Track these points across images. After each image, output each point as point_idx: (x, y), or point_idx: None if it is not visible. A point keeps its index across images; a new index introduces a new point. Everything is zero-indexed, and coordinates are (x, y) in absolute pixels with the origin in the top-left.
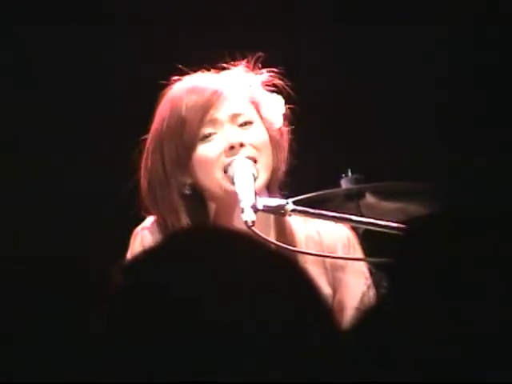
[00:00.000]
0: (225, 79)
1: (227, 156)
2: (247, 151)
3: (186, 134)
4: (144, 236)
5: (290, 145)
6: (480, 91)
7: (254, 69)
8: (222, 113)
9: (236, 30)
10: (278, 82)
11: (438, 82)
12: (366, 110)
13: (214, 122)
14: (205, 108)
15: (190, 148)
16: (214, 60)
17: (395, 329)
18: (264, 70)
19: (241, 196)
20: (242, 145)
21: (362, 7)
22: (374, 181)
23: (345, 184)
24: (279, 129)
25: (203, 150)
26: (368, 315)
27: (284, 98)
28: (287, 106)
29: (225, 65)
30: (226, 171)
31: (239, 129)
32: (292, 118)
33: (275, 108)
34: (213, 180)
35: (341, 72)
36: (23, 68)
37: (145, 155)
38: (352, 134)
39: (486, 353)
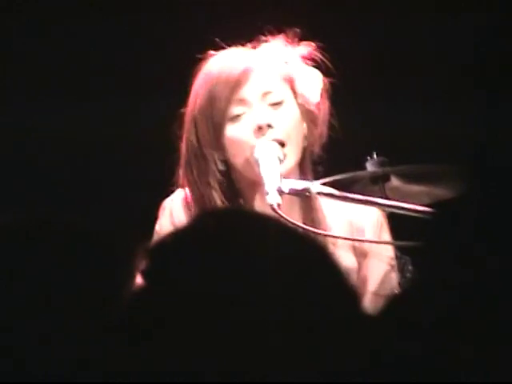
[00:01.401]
0: (258, 55)
1: (256, 137)
2: (275, 133)
3: (215, 113)
4: (173, 209)
5: (329, 120)
6: None
7: (292, 43)
8: (251, 92)
9: (274, 4)
10: (316, 56)
11: (478, 59)
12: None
13: (243, 101)
14: (234, 87)
15: (220, 127)
16: (251, 34)
17: (421, 313)
18: (302, 44)
19: (266, 179)
20: (269, 126)
21: None
22: (401, 161)
23: (370, 166)
24: (317, 104)
25: (232, 131)
26: (394, 299)
27: (323, 72)
28: (327, 80)
29: (263, 38)
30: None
31: (269, 108)
32: (331, 93)
33: (312, 83)
34: (243, 161)
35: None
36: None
37: (183, 129)
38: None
39: None
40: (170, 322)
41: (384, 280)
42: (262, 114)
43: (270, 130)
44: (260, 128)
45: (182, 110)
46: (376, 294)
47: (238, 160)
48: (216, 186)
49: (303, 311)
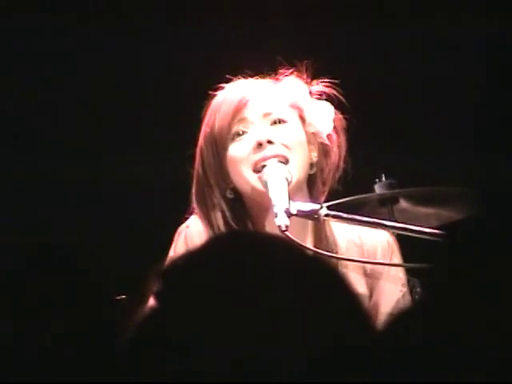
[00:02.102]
0: (265, 83)
1: (255, 153)
2: (276, 149)
3: (218, 135)
4: (188, 234)
5: (344, 152)
6: None
7: (305, 77)
8: (253, 112)
9: (287, 40)
10: (330, 91)
11: (478, 88)
12: (404, 116)
13: (244, 120)
14: (236, 108)
15: (223, 149)
16: (265, 67)
17: (428, 333)
18: (316, 79)
19: (274, 201)
20: (269, 142)
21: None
22: (409, 185)
23: (378, 189)
24: (328, 136)
25: (233, 149)
26: (402, 319)
27: (337, 106)
28: (341, 115)
29: (276, 72)
30: (258, 172)
31: (270, 127)
32: (346, 126)
33: (323, 114)
34: (244, 180)
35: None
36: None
37: (194, 164)
38: (390, 139)
39: None
40: (182, 343)
41: (397, 305)
42: (263, 131)
43: (270, 146)
44: (260, 144)
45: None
46: (390, 315)
47: (239, 179)
48: (226, 213)
49: (314, 333)
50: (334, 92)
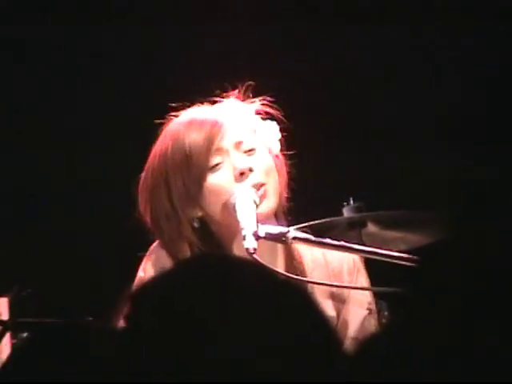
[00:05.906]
0: (222, 110)
1: (238, 182)
2: (257, 176)
3: (194, 167)
4: (158, 255)
5: (289, 170)
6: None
7: (244, 99)
8: (226, 141)
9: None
10: (270, 110)
11: (446, 93)
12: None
13: (220, 150)
14: (210, 138)
15: (200, 180)
16: (203, 93)
17: (396, 355)
18: (255, 100)
19: (242, 223)
20: (251, 170)
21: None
22: (377, 203)
23: (347, 212)
24: (277, 155)
25: (214, 179)
26: (369, 342)
27: (277, 124)
28: (281, 133)
29: (218, 97)
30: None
31: (244, 155)
32: (287, 144)
33: (272, 134)
34: (222, 208)
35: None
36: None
37: (146, 191)
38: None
39: None
40: (152, 366)
41: (363, 325)
42: (241, 160)
43: (252, 173)
44: (242, 173)
45: (140, 175)
46: (356, 338)
47: (217, 208)
48: (194, 243)
49: (282, 355)
50: (274, 111)
